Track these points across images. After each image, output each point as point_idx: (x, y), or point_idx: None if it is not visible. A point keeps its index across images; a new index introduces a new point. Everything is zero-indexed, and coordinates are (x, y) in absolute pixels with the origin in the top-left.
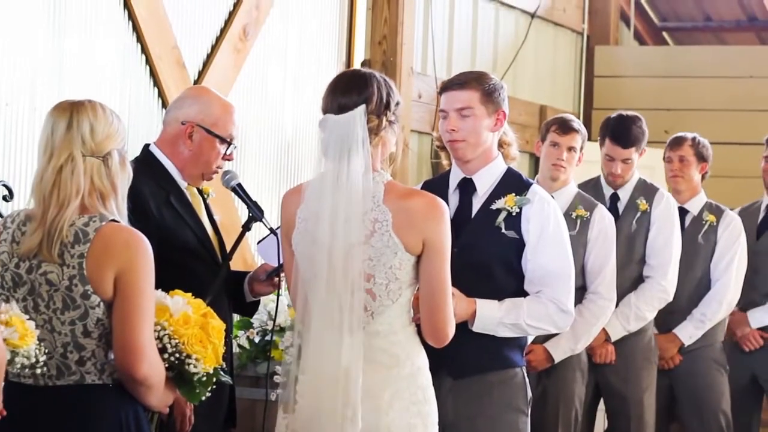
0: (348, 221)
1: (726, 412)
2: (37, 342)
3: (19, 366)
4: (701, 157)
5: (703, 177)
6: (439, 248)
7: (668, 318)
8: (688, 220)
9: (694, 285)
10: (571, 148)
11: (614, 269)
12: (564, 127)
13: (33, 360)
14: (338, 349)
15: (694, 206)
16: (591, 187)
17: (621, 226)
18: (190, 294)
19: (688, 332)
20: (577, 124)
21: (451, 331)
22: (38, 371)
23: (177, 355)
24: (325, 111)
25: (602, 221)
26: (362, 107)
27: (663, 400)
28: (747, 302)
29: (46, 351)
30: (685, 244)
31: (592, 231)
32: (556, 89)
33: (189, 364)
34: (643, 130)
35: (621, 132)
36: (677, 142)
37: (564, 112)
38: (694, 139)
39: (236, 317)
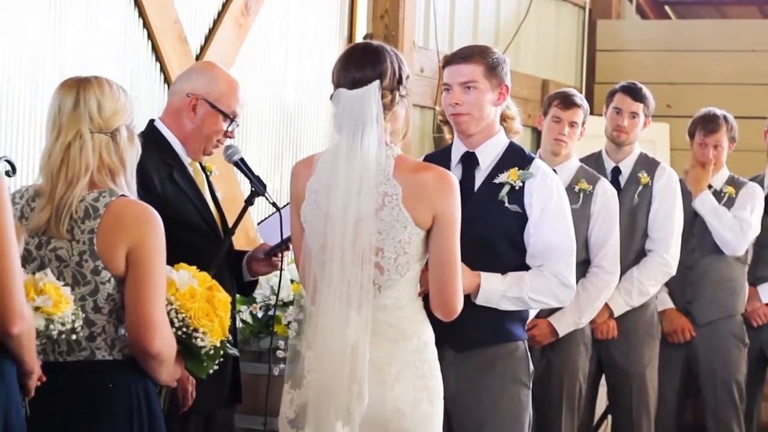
0: (360, 195)
1: (740, 384)
2: (74, 307)
3: (56, 333)
4: (733, 140)
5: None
6: (450, 222)
7: (688, 290)
8: None
9: (713, 259)
10: (572, 123)
11: (617, 242)
12: (566, 102)
13: (69, 326)
14: (346, 322)
15: (717, 181)
16: (593, 161)
17: (623, 199)
18: (194, 267)
19: (707, 200)
20: (579, 98)
21: (460, 305)
22: (74, 337)
23: (184, 329)
24: (338, 85)
25: (605, 194)
26: (377, 82)
27: (679, 375)
28: (756, 277)
29: (83, 316)
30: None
31: (595, 204)
32: (558, 63)
33: (196, 338)
34: (651, 97)
35: (632, 86)
36: (713, 130)
37: (566, 86)
38: (727, 121)
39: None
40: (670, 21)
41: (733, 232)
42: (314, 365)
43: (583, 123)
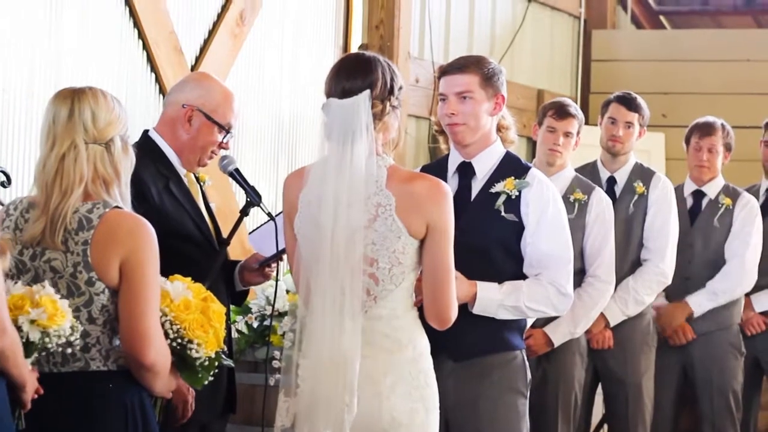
0: (351, 206)
1: (737, 393)
2: (73, 320)
3: (52, 346)
4: (728, 148)
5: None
6: (443, 230)
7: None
8: (704, 203)
9: (711, 267)
10: (567, 134)
11: (613, 252)
12: (560, 112)
13: (65, 339)
14: (339, 333)
15: (712, 190)
16: (588, 171)
17: (618, 209)
18: (189, 278)
19: (698, 301)
20: (574, 108)
21: (454, 314)
22: (69, 350)
23: (179, 340)
24: (329, 95)
25: (600, 204)
26: (367, 92)
27: (675, 384)
28: None
29: (80, 329)
30: (701, 227)
31: (590, 214)
32: (553, 73)
33: (191, 349)
34: (646, 107)
35: (627, 96)
36: (708, 132)
37: (561, 96)
38: (723, 127)
39: None
40: (665, 31)
41: (741, 284)
42: (308, 374)
43: (578, 133)
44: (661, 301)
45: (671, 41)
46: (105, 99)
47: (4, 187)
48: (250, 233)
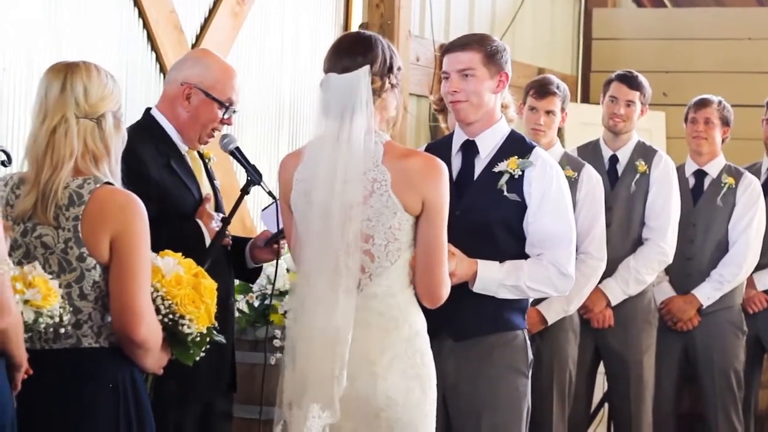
0: (347, 182)
1: (738, 372)
2: (61, 300)
3: (43, 326)
4: (725, 121)
5: (723, 141)
6: (437, 208)
7: (687, 280)
8: (706, 182)
9: (713, 247)
10: (549, 112)
11: (603, 229)
12: (541, 91)
13: (57, 319)
14: (333, 309)
15: (713, 169)
16: (590, 149)
17: (620, 188)
18: (180, 254)
19: (706, 293)
20: (555, 86)
21: (446, 292)
22: (62, 331)
23: (170, 316)
24: (328, 71)
25: (590, 181)
26: (366, 68)
27: (677, 363)
28: None
29: (70, 309)
30: (704, 206)
31: (580, 191)
32: (554, 52)
33: (182, 325)
34: (648, 85)
35: (628, 75)
36: (703, 104)
37: (562, 75)
38: (720, 102)
39: (236, 282)
40: (666, 9)
41: (745, 268)
42: (302, 350)
43: (563, 109)
44: (666, 291)
45: (672, 19)
46: (98, 74)
47: (5, 166)
48: (263, 210)
